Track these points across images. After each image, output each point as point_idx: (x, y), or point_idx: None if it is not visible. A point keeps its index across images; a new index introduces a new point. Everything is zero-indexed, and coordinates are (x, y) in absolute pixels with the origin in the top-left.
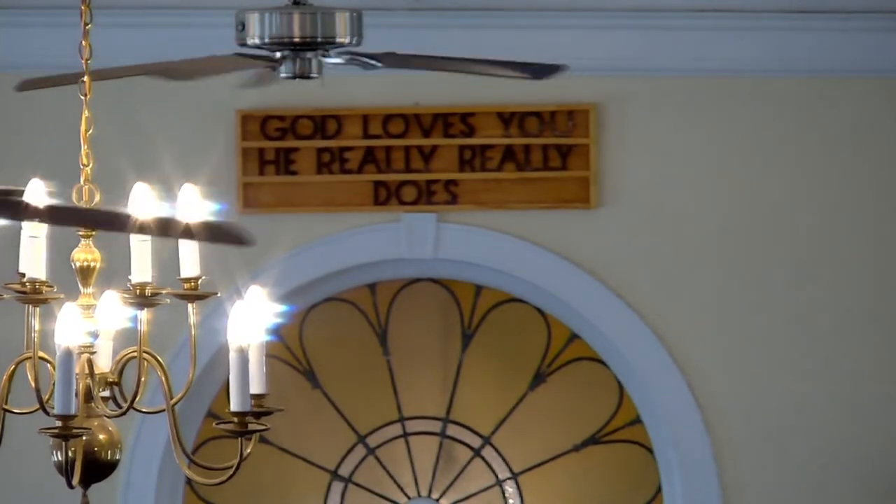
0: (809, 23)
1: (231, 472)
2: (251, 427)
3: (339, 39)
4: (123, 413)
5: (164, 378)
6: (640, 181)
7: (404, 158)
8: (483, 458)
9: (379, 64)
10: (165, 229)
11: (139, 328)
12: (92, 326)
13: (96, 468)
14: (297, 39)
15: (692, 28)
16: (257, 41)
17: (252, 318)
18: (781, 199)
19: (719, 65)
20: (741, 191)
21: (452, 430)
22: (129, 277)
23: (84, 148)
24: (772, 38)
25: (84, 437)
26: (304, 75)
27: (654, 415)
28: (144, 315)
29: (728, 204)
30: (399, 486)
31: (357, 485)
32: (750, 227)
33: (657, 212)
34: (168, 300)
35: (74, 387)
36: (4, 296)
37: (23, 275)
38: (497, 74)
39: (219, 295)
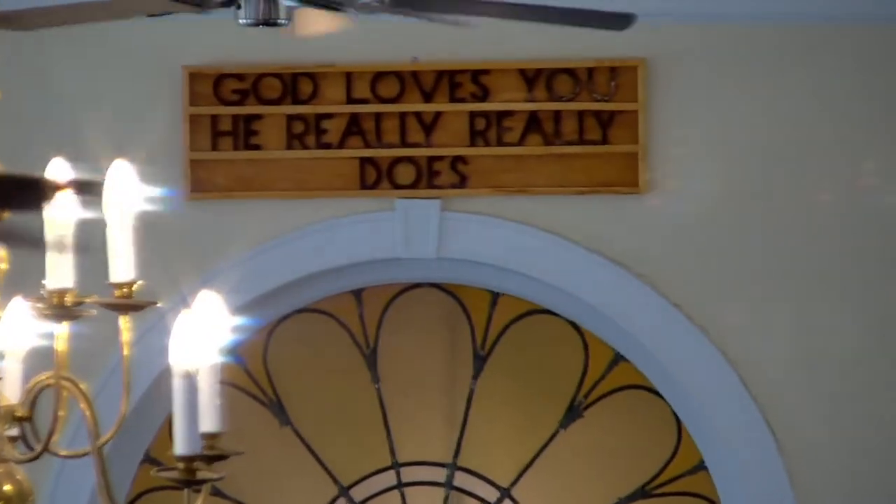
0: None
1: None
2: (200, 475)
3: None
4: (36, 457)
5: (88, 412)
6: (701, 158)
7: (399, 129)
8: None
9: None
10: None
11: (56, 347)
12: None
13: None
14: None
15: None
16: None
17: (202, 335)
18: (876, 173)
19: (796, 8)
20: (830, 166)
21: (461, 480)
22: (44, 282)
23: None
24: None
25: None
26: (270, 21)
27: (720, 459)
28: (64, 330)
29: (813, 184)
30: None
31: None
32: (842, 213)
33: (722, 197)
34: (94, 311)
35: None
36: None
37: None
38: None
39: (159, 305)
